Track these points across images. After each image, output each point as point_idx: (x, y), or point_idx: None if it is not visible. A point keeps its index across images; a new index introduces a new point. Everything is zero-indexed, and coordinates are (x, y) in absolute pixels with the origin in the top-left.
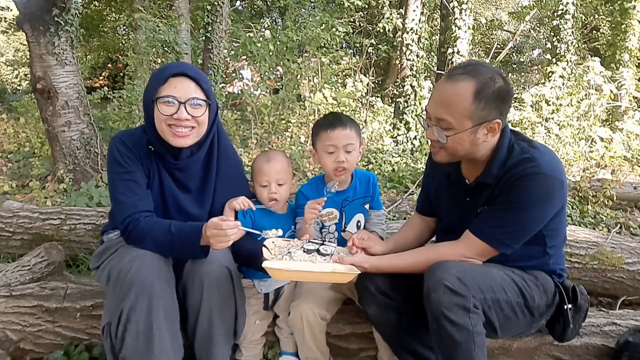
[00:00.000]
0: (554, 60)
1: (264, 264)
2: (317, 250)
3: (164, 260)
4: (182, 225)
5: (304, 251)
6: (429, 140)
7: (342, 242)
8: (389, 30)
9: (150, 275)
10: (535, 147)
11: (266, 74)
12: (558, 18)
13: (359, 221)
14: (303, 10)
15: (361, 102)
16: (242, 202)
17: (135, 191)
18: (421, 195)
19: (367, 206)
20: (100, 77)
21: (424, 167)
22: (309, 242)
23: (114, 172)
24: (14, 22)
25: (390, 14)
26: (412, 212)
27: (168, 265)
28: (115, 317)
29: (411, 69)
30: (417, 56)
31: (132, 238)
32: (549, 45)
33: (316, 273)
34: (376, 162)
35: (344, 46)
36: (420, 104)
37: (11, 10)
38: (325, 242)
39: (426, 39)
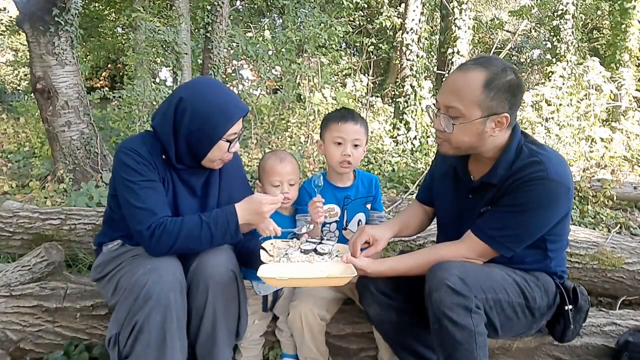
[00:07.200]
0: (554, 60)
1: (259, 273)
2: (315, 250)
3: (178, 269)
4: (212, 215)
5: (302, 251)
6: (434, 132)
7: (342, 240)
8: (387, 28)
9: (165, 288)
10: (544, 151)
11: (266, 74)
12: (558, 18)
13: (360, 220)
14: (302, 10)
15: (361, 102)
16: (271, 228)
17: (155, 198)
18: (424, 184)
19: (368, 206)
20: (100, 77)
21: (425, 166)
22: (307, 241)
23: (130, 181)
24: (14, 22)
25: (389, 14)
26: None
27: (181, 273)
28: (127, 328)
29: (411, 69)
30: (417, 56)
31: (164, 241)
32: (549, 45)
33: (311, 279)
34: (376, 162)
35: (343, 46)
36: (420, 104)
37: (8, 11)
38: (323, 241)
39: (426, 39)
